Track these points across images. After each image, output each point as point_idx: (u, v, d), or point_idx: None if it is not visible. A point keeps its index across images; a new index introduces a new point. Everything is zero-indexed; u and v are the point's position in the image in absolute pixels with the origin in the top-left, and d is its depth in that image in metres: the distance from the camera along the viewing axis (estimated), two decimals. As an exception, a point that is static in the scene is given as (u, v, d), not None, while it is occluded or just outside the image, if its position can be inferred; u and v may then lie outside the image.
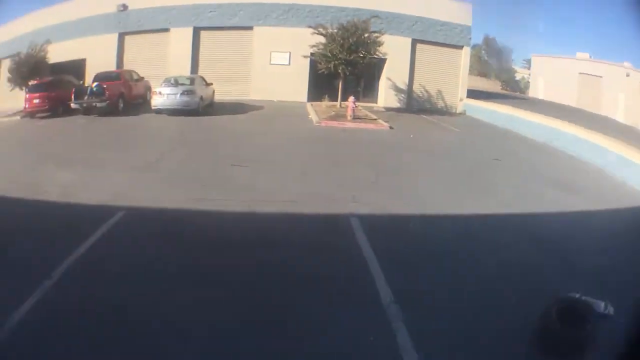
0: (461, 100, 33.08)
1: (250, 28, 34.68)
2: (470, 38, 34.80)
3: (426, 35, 33.70)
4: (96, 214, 10.28)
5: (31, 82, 33.38)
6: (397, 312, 6.24)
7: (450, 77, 34.05)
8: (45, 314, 6.31)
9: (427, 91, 33.43)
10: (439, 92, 33.23)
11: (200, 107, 26.39)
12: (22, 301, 6.43)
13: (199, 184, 13.31)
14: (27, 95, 30.95)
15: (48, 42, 35.92)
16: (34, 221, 10.08)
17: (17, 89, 35.17)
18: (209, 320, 6.17)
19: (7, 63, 39.74)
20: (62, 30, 38.87)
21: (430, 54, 34.06)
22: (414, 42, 33.61)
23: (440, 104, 33.48)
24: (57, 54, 36.22)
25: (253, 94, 33.70)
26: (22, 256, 8.29)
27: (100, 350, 5.52)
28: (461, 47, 34.28)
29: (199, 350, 5.59)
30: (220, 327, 6.05)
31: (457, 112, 32.17)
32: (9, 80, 35.64)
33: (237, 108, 29.10)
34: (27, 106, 30.69)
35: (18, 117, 31.70)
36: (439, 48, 34.30)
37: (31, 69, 34.48)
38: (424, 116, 29.74)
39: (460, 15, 33.85)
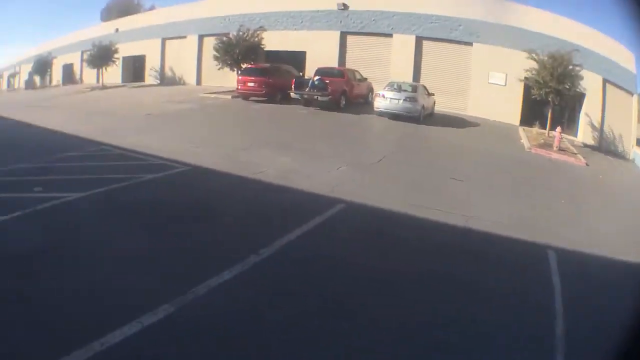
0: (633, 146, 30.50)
1: (469, 44, 34.03)
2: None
3: (616, 78, 31.81)
4: (315, 203, 11.02)
5: (245, 65, 35.04)
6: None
7: (624, 121, 31.92)
8: (243, 286, 7.08)
9: (613, 134, 32.29)
10: (620, 136, 32.11)
11: (421, 115, 26.82)
12: (222, 270, 7.27)
13: (416, 190, 13.58)
14: (240, 77, 32.69)
15: (262, 28, 37.85)
16: (253, 200, 11.15)
17: (225, 69, 37.42)
18: (403, 321, 6.58)
19: (210, 41, 42.25)
20: (278, 20, 41.14)
21: (618, 99, 32.45)
22: (604, 82, 32.00)
23: (620, 147, 31.78)
24: (273, 42, 38.41)
25: (470, 109, 34.02)
26: (238, 231, 9.24)
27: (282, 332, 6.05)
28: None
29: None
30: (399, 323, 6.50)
31: (630, 158, 30.31)
32: (216, 58, 37.50)
33: (454, 121, 28.99)
34: (239, 87, 32.60)
35: (229, 97, 33.57)
36: (625, 94, 32.19)
37: (244, 52, 36.31)
38: (609, 157, 28.47)
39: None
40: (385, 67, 36.14)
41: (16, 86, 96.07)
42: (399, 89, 26.80)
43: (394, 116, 25.60)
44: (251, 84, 31.11)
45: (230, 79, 38.02)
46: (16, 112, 28.65)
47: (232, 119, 24.99)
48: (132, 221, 9.82)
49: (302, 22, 40.06)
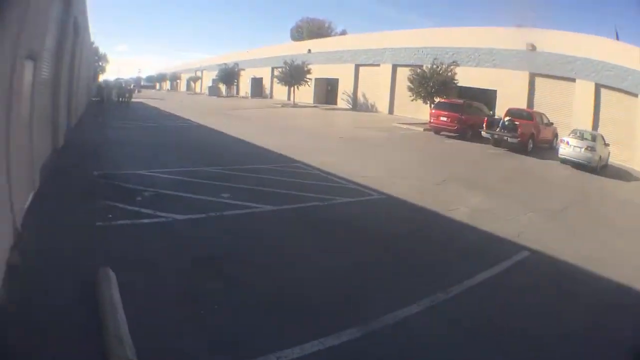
0: None
1: (635, 95, 31.17)
2: None
3: None
4: (500, 246, 10.47)
5: (438, 99, 34.93)
6: None
7: None
8: (435, 323, 6.75)
9: None
10: None
11: (598, 166, 25.20)
12: (408, 303, 7.00)
13: (602, 247, 12.09)
14: (433, 111, 32.54)
15: (455, 63, 37.96)
16: (442, 236, 10.77)
17: (418, 101, 38.09)
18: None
19: (403, 71, 43.94)
20: (470, 55, 41.15)
21: None
22: None
23: None
24: (464, 77, 38.45)
25: (637, 162, 30.47)
26: (427, 265, 8.92)
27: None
28: None
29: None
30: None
31: None
32: (410, 89, 37.95)
33: (624, 175, 27.00)
34: (432, 121, 32.34)
35: (421, 129, 33.61)
36: None
37: (438, 86, 36.43)
38: None
39: None
40: (567, 112, 34.86)
41: (196, 90, 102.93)
42: (582, 137, 25.91)
43: (576, 165, 24.75)
44: (444, 119, 31.31)
45: (421, 111, 39.60)
46: (206, 117, 31.78)
47: (424, 152, 25.14)
48: (322, 240, 9.68)
49: (493, 59, 39.80)
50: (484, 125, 29.13)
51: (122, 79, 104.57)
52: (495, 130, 28.36)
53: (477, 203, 13.87)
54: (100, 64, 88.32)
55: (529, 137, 27.87)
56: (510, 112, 29.52)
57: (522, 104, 35.23)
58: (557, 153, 26.08)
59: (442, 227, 11.41)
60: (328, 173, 15.72)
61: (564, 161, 25.12)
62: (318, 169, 16.20)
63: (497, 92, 38.87)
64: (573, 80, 34.81)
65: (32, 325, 5.45)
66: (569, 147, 25.03)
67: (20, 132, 8.65)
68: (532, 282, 8.82)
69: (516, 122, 27.58)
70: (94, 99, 48.46)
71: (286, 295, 7.00)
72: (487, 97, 37.82)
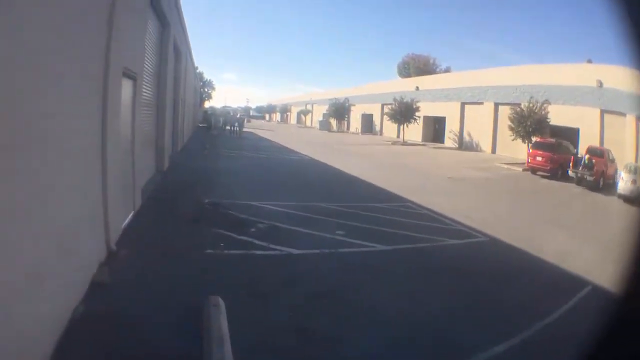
0: None
1: None
2: None
3: None
4: (571, 283, 9.94)
5: (535, 139, 35.27)
6: None
7: None
8: None
9: None
10: None
11: None
12: (495, 344, 6.57)
13: None
14: (530, 151, 32.89)
15: (547, 102, 37.75)
16: (524, 274, 10.23)
17: (518, 140, 38.35)
18: None
19: (504, 109, 44.29)
20: (559, 93, 40.41)
21: None
22: None
23: None
24: (553, 116, 38.03)
25: None
26: (527, 307, 8.26)
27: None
28: None
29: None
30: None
31: None
32: (510, 129, 38.11)
33: None
34: (529, 161, 32.61)
35: (519, 169, 33.96)
36: None
37: (534, 125, 36.63)
38: None
39: None
40: (623, 148, 33.76)
41: (307, 124, 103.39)
42: (634, 171, 25.16)
43: (628, 198, 23.89)
44: (539, 159, 31.55)
45: (520, 150, 39.44)
46: (317, 151, 32.14)
47: (522, 193, 24.66)
48: (432, 282, 9.18)
49: (575, 97, 39.33)
50: (571, 164, 29.54)
51: (230, 107, 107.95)
52: (579, 169, 28.59)
53: (563, 243, 13.46)
54: (206, 90, 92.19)
55: (601, 174, 28.22)
56: (589, 150, 29.74)
57: (597, 142, 35.60)
58: (617, 189, 25.89)
59: (535, 269, 10.90)
60: (436, 213, 15.44)
61: (619, 196, 24.78)
62: (427, 209, 15.90)
63: (580, 130, 38.90)
64: (624, 115, 35.13)
65: (111, 348, 5.32)
66: (622, 182, 24.98)
67: (118, 151, 8.75)
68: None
69: (593, 160, 28.00)
70: (200, 124, 49.87)
71: (395, 337, 6.62)
72: (571, 135, 37.71)
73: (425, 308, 7.69)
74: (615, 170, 30.48)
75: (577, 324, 7.54)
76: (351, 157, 34.61)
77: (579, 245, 13.27)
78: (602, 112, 37.04)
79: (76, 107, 6.03)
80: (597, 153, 29.41)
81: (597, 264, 11.70)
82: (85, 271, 6.58)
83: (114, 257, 7.88)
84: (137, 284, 7.09)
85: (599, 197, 25.53)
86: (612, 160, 30.96)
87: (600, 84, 36.78)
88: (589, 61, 40.69)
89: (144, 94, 12.97)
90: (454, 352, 6.38)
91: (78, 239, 6.25)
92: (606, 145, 33.58)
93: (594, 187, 27.24)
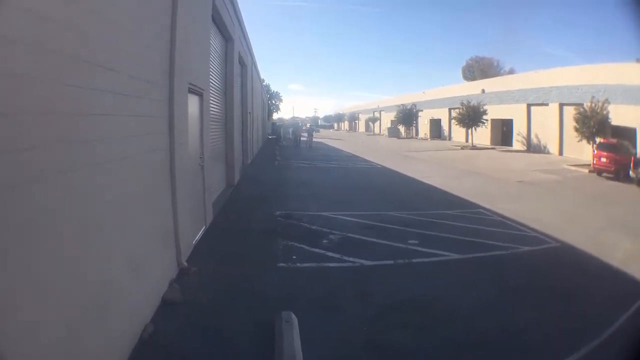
0: None
1: None
2: None
3: None
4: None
5: (599, 140, 34.97)
6: None
7: None
8: None
9: None
10: None
11: None
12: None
13: None
14: (595, 152, 32.46)
15: (607, 101, 36.80)
16: (589, 279, 9.98)
17: (584, 141, 38.03)
18: None
19: (568, 109, 43.78)
20: (619, 92, 39.13)
21: None
22: None
23: None
24: (612, 116, 37.28)
25: None
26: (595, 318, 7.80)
27: None
28: None
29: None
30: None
31: None
32: (576, 130, 37.87)
33: None
34: (595, 162, 32.18)
35: (585, 171, 33.60)
36: None
37: (597, 126, 36.15)
38: None
39: None
40: None
41: (375, 131, 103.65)
42: None
43: None
44: (603, 160, 31.15)
45: (585, 151, 39.21)
46: (387, 159, 32.37)
47: (589, 195, 23.55)
48: (509, 292, 8.85)
49: (633, 96, 37.84)
50: (631, 165, 28.88)
51: (298, 117, 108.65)
52: (638, 170, 27.87)
53: (635, 252, 12.77)
54: (274, 101, 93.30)
55: None
56: None
57: None
58: None
59: (612, 278, 10.29)
60: (508, 219, 15.12)
61: None
62: (499, 215, 15.65)
63: (637, 130, 37.83)
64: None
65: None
66: None
67: (186, 167, 8.81)
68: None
69: None
70: (270, 136, 50.34)
71: (471, 345, 6.48)
72: (629, 135, 36.89)
73: (507, 319, 7.46)
74: None
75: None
76: (420, 163, 34.65)
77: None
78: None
79: (142, 125, 6.07)
80: None
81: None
82: (155, 289, 6.58)
83: (185, 274, 7.89)
84: (208, 301, 7.06)
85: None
86: None
87: None
88: (638, 60, 39.70)
89: (212, 109, 13.10)
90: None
91: (149, 256, 6.28)
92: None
93: None
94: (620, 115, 37.89)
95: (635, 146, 34.98)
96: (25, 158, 3.24)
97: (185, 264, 8.16)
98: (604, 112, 36.39)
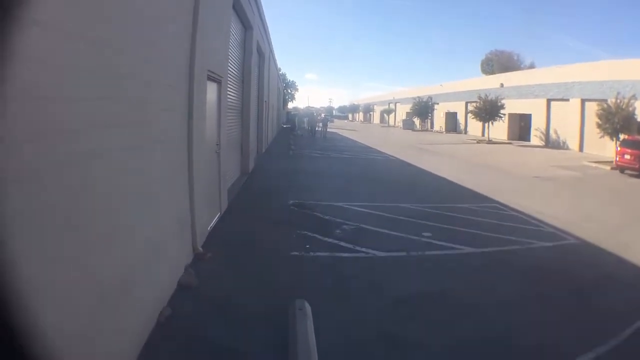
0: None
1: None
2: None
3: None
4: None
5: (623, 137, 34.38)
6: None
7: None
8: None
9: None
10: None
11: None
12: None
13: None
14: (619, 149, 31.94)
15: (634, 97, 36.38)
16: (617, 276, 9.89)
17: (606, 138, 37.26)
18: None
19: (591, 105, 43.27)
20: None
21: None
22: None
23: None
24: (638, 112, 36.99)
25: None
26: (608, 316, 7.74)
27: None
28: None
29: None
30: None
31: None
32: (598, 126, 36.96)
33: None
34: (618, 159, 31.67)
35: (607, 168, 33.08)
36: None
37: (622, 122, 35.43)
38: None
39: None
40: None
41: (390, 123, 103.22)
42: None
43: None
44: (627, 157, 30.55)
45: (608, 148, 38.66)
46: (402, 151, 32.11)
47: (611, 192, 23.32)
48: (523, 286, 8.91)
49: None
50: None
51: (313, 107, 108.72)
52: None
53: None
54: (289, 91, 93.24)
55: None
56: None
57: None
58: None
59: (628, 275, 10.36)
60: (524, 214, 15.09)
61: None
62: (514, 210, 15.61)
63: None
64: None
65: (199, 351, 5.42)
66: None
67: (204, 154, 8.90)
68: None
69: None
70: (284, 125, 50.39)
71: (487, 339, 6.51)
72: None
73: (518, 313, 7.49)
74: None
75: None
76: (435, 156, 34.48)
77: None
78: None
79: (163, 111, 6.15)
80: None
81: None
82: (172, 274, 6.69)
83: (200, 259, 8.00)
84: (223, 286, 7.16)
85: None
86: None
87: None
88: None
89: (229, 97, 13.17)
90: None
91: (166, 241, 6.37)
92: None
93: None
94: None
95: None
96: (64, 140, 3.37)
97: (201, 249, 8.28)
98: (630, 109, 35.94)
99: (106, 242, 4.14)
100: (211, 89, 9.91)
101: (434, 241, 10.98)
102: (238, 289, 7.08)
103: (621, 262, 10.97)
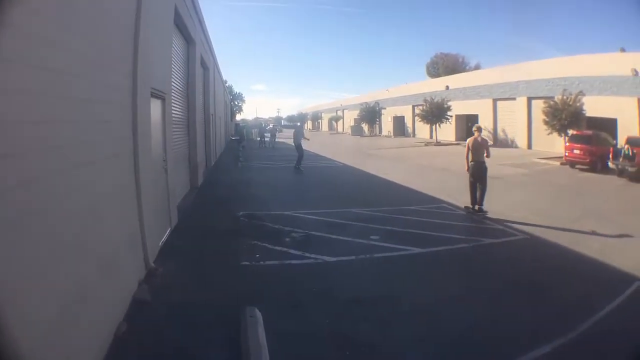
0: None
1: None
2: None
3: None
4: (617, 279, 9.82)
5: (571, 132, 35.13)
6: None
7: None
8: None
9: None
10: None
11: None
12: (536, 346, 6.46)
13: None
14: (568, 144, 32.94)
15: (581, 93, 36.78)
16: (567, 269, 10.14)
17: (554, 134, 38.31)
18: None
19: (537, 103, 44.03)
20: (593, 84, 40.27)
21: None
22: None
23: None
24: (588, 107, 37.04)
25: None
26: (561, 307, 8.13)
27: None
28: None
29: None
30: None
31: None
32: (545, 122, 37.84)
33: None
34: (567, 154, 32.77)
35: (557, 163, 34.29)
36: None
37: (570, 118, 36.09)
38: None
39: None
40: None
41: (339, 130, 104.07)
42: None
43: None
44: (577, 152, 31.88)
45: (557, 144, 40.10)
46: (350, 157, 32.66)
47: (561, 188, 24.05)
48: (470, 283, 9.15)
49: (610, 87, 39.38)
50: (610, 156, 29.52)
51: (261, 118, 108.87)
52: (619, 161, 28.47)
53: (606, 239, 13.15)
54: (237, 103, 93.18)
55: None
56: (630, 141, 29.44)
57: (636, 132, 35.45)
58: None
59: (578, 265, 10.79)
60: (472, 213, 15.53)
61: None
62: (463, 209, 16.11)
63: (618, 120, 38.67)
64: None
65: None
66: None
67: (151, 171, 9.02)
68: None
69: (634, 150, 27.71)
70: (232, 137, 50.27)
71: (437, 336, 6.73)
72: (609, 126, 37.80)
73: (469, 310, 7.70)
74: None
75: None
76: (384, 160, 35.12)
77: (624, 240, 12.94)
78: (640, 100, 37.12)
79: (107, 130, 6.26)
80: (638, 143, 28.85)
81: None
82: (125, 289, 6.80)
83: (153, 275, 8.11)
84: (176, 299, 7.27)
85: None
86: None
87: (636, 73, 36.79)
88: (622, 50, 40.39)
89: (174, 112, 13.26)
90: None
91: (117, 258, 6.48)
92: (648, 136, 33.32)
93: (638, 178, 26.72)
94: (598, 107, 38.42)
95: (615, 137, 35.86)
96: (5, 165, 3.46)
97: (153, 264, 8.39)
98: (578, 104, 36.62)
99: (58, 260, 4.25)
100: (155, 106, 9.98)
101: (382, 244, 11.19)
102: (191, 301, 7.20)
103: (565, 253, 11.37)
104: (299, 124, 28.02)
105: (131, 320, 6.32)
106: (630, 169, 27.14)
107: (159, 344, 5.92)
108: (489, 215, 15.07)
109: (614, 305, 8.19)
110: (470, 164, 16.44)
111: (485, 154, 16.24)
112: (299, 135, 29.19)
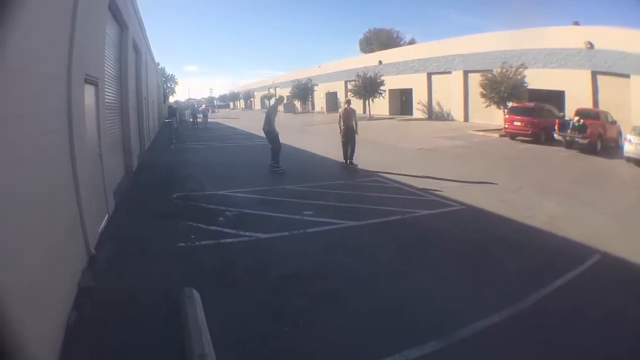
0: None
1: None
2: None
3: None
4: (577, 252, 9.91)
5: (511, 104, 36.01)
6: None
7: None
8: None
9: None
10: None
11: None
12: (488, 314, 6.63)
13: None
14: (507, 116, 33.60)
15: (523, 66, 37.77)
16: (521, 244, 10.24)
17: (492, 107, 39.01)
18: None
19: (474, 77, 44.25)
20: (536, 57, 41.06)
21: None
22: None
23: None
24: (532, 80, 38.42)
25: None
26: (505, 277, 8.40)
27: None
28: None
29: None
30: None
31: None
32: (482, 95, 38.76)
33: None
34: (507, 126, 33.36)
35: (496, 135, 34.67)
36: None
37: (509, 90, 36.87)
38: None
39: None
40: (628, 109, 34.20)
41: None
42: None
43: (638, 162, 24.16)
44: (518, 124, 32.37)
45: (495, 116, 40.63)
46: (284, 134, 28.40)
47: (500, 159, 24.88)
48: (406, 253, 9.48)
49: (557, 60, 40.01)
50: (556, 128, 30.03)
51: (193, 99, 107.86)
52: (567, 132, 29.19)
53: (551, 208, 13.54)
54: (170, 85, 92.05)
55: (598, 136, 28.57)
56: (578, 113, 29.95)
57: (588, 104, 36.05)
58: (623, 152, 25.70)
59: (519, 234, 11.09)
60: (406, 185, 15.95)
61: (628, 159, 24.82)
62: (396, 182, 16.46)
63: (565, 92, 39.27)
64: (628, 76, 34.91)
65: (110, 347, 5.65)
66: (631, 145, 24.73)
67: (87, 158, 8.99)
68: (604, 287, 8.30)
69: (586, 123, 28.28)
70: (166, 120, 49.81)
71: (376, 308, 6.90)
72: (556, 98, 38.43)
73: (405, 281, 7.94)
74: (619, 133, 31.11)
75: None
76: (318, 136, 35.94)
77: (569, 209, 13.33)
78: (594, 73, 37.27)
79: (42, 120, 6.21)
80: (591, 115, 29.72)
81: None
82: (70, 278, 6.84)
83: (95, 261, 8.16)
84: (119, 283, 7.40)
85: (597, 160, 25.58)
86: (613, 122, 31.44)
87: (591, 45, 37.33)
88: (576, 23, 41.19)
89: (107, 97, 13.10)
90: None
91: (59, 247, 6.48)
92: (602, 108, 33.92)
93: (591, 150, 27.63)
94: (543, 79, 39.47)
95: (563, 109, 36.74)
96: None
97: (94, 251, 8.42)
98: (519, 77, 37.23)
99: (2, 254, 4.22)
100: (89, 92, 9.90)
101: (316, 218, 11.50)
102: (132, 285, 7.33)
103: (499, 221, 11.83)
104: (272, 102, 23.91)
105: (80, 309, 6.39)
106: (582, 141, 27.82)
107: (106, 328, 6.02)
108: (426, 186, 15.47)
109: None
110: (342, 128, 19.63)
111: (354, 121, 19.41)
112: (270, 118, 20.19)
